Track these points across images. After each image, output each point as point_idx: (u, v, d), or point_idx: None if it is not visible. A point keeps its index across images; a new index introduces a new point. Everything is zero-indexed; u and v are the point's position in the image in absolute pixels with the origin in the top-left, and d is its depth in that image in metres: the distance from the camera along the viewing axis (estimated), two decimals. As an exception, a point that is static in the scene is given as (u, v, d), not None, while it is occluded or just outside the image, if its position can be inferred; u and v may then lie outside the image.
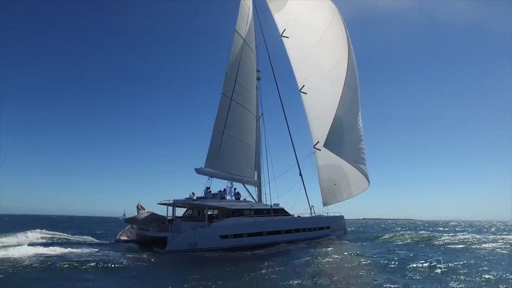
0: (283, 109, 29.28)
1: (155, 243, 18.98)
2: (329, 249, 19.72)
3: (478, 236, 30.39)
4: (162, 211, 23.42)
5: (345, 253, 18.33)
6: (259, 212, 23.58)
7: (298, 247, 21.44)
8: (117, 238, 22.75)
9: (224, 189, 24.39)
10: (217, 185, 26.50)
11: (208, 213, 22.73)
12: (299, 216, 26.83)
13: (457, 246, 23.67)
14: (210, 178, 22.32)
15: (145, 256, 16.48)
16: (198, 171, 21.52)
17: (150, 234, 20.55)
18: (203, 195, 23.35)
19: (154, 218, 20.61)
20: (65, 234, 25.52)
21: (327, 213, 28.72)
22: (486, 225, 78.40)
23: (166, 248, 17.90)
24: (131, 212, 22.82)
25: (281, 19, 32.02)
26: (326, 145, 25.23)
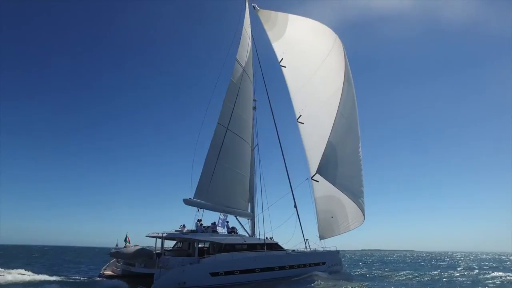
0: (278, 139, 28.76)
1: (141, 280, 17.84)
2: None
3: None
4: (151, 243, 22.43)
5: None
6: (252, 247, 22.52)
7: (292, 285, 20.37)
8: (101, 272, 21.51)
9: (216, 222, 23.47)
10: (210, 216, 25.66)
11: (199, 246, 21.77)
12: (293, 250, 25.77)
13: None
14: (199, 209, 21.35)
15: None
16: (187, 201, 20.61)
17: (136, 270, 19.38)
18: (194, 227, 22.41)
19: (141, 253, 19.46)
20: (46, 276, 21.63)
21: (323, 247, 27.64)
22: (506, 259, 73.90)
23: (152, 286, 16.75)
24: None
25: (279, 48, 31.95)
26: (319, 170, 24.46)
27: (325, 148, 24.71)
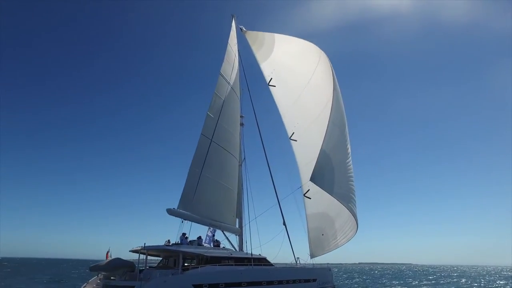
0: (265, 154, 28.59)
1: None
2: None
3: None
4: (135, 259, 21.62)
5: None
6: (239, 260, 21.81)
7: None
8: None
9: (204, 239, 22.87)
10: (196, 232, 25.07)
11: (186, 263, 21.05)
12: (284, 266, 24.98)
13: None
14: (183, 221, 20.79)
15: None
16: (170, 212, 20.07)
17: (116, 283, 18.58)
18: (179, 241, 21.75)
19: (120, 264, 18.73)
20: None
21: (313, 264, 26.84)
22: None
23: None
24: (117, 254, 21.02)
25: (268, 68, 32.49)
26: (312, 179, 24.13)
27: (318, 156, 24.65)
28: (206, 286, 18.39)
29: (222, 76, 25.16)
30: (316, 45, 30.83)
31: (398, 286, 32.87)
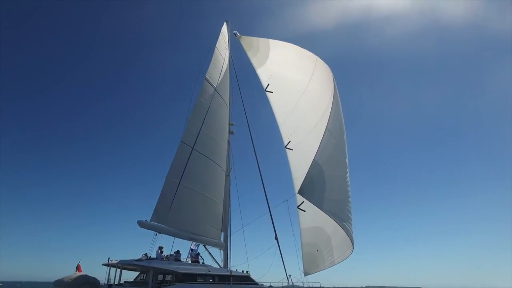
0: (258, 165, 27.04)
1: None
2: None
3: None
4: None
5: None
6: (218, 278, 20.22)
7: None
8: None
9: (179, 251, 21.33)
10: (185, 246, 23.55)
11: (166, 279, 19.61)
12: (270, 286, 23.18)
13: None
14: (157, 234, 19.35)
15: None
16: (142, 224, 18.65)
17: None
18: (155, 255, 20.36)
19: (83, 280, 17.46)
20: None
21: (303, 282, 24.92)
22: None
23: None
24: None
25: (264, 74, 31.44)
26: (301, 192, 22.62)
27: (309, 168, 23.23)
28: None
29: (208, 81, 23.94)
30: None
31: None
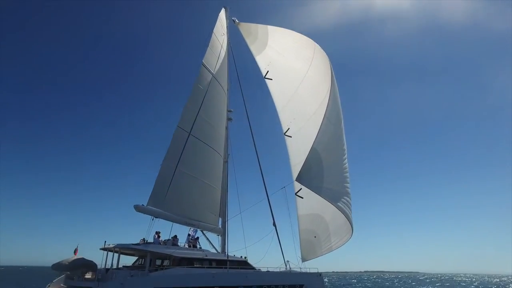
0: (256, 151, 27.02)
1: None
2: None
3: None
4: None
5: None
6: (215, 262, 20.31)
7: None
8: None
9: (176, 236, 21.40)
10: (184, 232, 23.63)
11: (163, 264, 19.72)
12: (268, 271, 23.26)
13: None
14: (154, 219, 19.38)
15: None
16: (138, 208, 18.67)
17: (75, 283, 17.39)
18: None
19: (80, 263, 17.54)
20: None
21: (300, 268, 25.02)
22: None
23: None
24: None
25: (263, 61, 31.26)
26: (298, 179, 22.61)
27: (307, 155, 23.22)
28: None
29: (205, 66, 23.75)
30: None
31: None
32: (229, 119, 27.26)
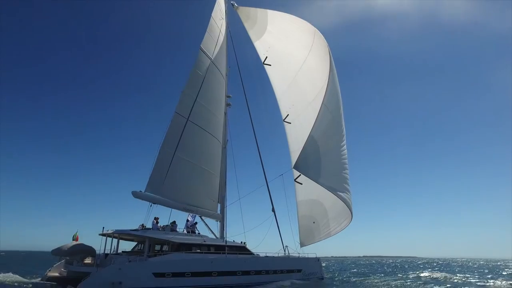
0: (255, 137, 26.95)
1: (75, 281, 15.87)
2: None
3: None
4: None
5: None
6: (214, 248, 20.41)
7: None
8: (46, 274, 19.57)
9: (175, 222, 21.45)
10: (183, 218, 23.70)
11: (162, 249, 19.82)
12: (266, 256, 23.42)
13: None
14: (152, 205, 19.37)
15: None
16: (136, 194, 18.63)
17: (74, 268, 17.51)
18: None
19: (79, 249, 17.64)
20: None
21: (299, 253, 25.20)
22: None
23: (78, 286, 14.77)
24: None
25: (262, 46, 30.82)
26: (296, 167, 22.62)
27: (305, 143, 23.14)
28: (169, 275, 17.06)
29: (203, 51, 23.42)
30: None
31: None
32: (227, 104, 27.05)
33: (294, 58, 29.06)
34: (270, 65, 30.43)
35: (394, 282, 25.27)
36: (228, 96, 27.20)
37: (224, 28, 27.28)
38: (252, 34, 31.22)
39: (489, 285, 25.39)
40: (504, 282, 26.99)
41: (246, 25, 31.24)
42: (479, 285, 24.03)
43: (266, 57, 30.49)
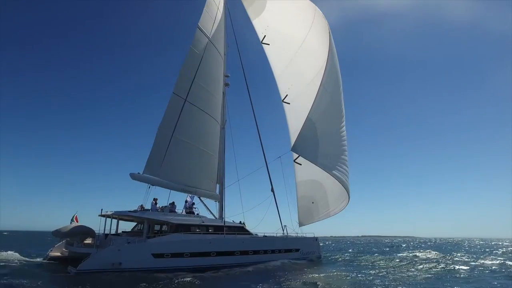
0: (254, 117, 26.75)
1: (76, 262, 16.06)
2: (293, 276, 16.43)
3: None
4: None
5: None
6: (212, 228, 20.57)
7: (252, 272, 18.24)
8: (47, 254, 19.82)
9: (174, 202, 21.53)
10: (182, 199, 23.77)
11: (162, 230, 19.99)
12: (264, 236, 23.65)
13: None
14: (150, 186, 19.37)
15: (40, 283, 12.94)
16: (134, 176, 18.60)
17: (74, 249, 17.69)
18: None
19: (79, 230, 17.77)
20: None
21: (297, 233, 25.44)
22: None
23: (78, 267, 14.93)
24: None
25: (261, 25, 30.16)
26: (294, 149, 22.54)
27: (303, 125, 22.94)
28: (168, 255, 17.24)
29: (200, 29, 22.88)
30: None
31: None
32: (226, 84, 26.68)
33: (293, 37, 28.46)
34: (268, 44, 29.87)
35: (383, 262, 25.41)
36: (227, 76, 26.79)
37: (222, 5, 26.55)
38: (250, 11, 30.50)
39: (479, 263, 25.70)
40: (494, 261, 27.31)
41: (245, 3, 30.49)
42: (472, 264, 24.31)
43: (265, 36, 29.90)
